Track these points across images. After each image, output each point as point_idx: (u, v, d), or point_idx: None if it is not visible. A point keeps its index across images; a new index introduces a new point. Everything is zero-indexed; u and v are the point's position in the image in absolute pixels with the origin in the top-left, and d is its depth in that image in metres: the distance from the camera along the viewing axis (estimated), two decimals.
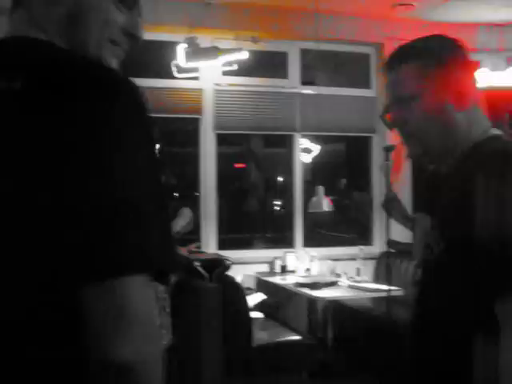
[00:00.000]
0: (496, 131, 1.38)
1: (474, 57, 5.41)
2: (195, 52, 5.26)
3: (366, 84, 6.42)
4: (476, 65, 1.43)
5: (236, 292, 4.14)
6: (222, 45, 5.37)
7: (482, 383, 1.16)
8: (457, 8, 5.86)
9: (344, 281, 5.20)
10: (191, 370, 3.99)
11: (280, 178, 6.94)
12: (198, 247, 5.04)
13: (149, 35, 5.49)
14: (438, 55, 1.40)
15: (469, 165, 1.28)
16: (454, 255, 1.23)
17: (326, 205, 5.41)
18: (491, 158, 1.24)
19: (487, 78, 5.61)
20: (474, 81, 1.40)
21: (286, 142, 6.23)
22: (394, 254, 5.55)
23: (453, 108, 1.34)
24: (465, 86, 1.37)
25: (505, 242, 1.12)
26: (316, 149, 6.24)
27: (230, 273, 4.37)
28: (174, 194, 6.12)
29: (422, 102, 1.36)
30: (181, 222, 4.26)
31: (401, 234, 3.86)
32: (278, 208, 7.10)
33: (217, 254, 5.14)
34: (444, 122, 1.35)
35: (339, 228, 7.14)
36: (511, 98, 5.38)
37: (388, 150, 3.88)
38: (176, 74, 5.42)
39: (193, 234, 5.58)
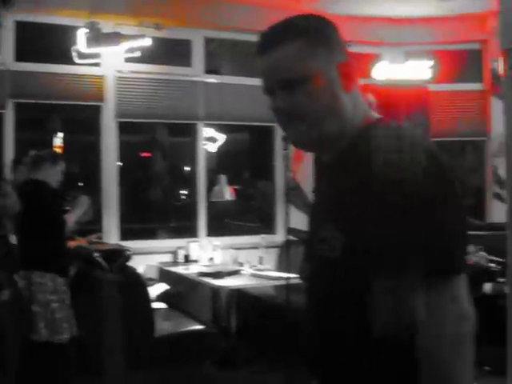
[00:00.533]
0: (376, 115, 1.33)
1: (374, 50, 5.60)
2: (96, 37, 5.12)
3: None
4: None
5: (137, 283, 4.08)
6: (124, 31, 5.26)
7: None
8: (359, 2, 6.00)
9: (247, 269, 5.24)
10: (94, 363, 3.91)
11: (187, 168, 6.89)
12: (99, 238, 4.92)
13: (49, 19, 5.38)
14: (322, 33, 1.27)
15: (358, 154, 1.22)
16: (355, 254, 1.17)
17: (228, 194, 5.41)
18: (380, 148, 1.17)
19: (386, 70, 5.79)
20: (353, 62, 1.32)
21: (190, 132, 6.18)
22: (296, 241, 5.63)
23: (341, 90, 1.26)
24: (350, 67, 1.30)
25: (400, 239, 1.12)
26: (221, 138, 6.24)
27: (132, 263, 4.30)
28: (79, 184, 5.95)
29: (311, 84, 1.24)
30: (77, 212, 4.14)
31: (302, 222, 3.92)
32: (185, 197, 7.05)
33: (118, 244, 5.04)
34: (334, 105, 1.25)
35: (243, 217, 7.17)
36: (409, 93, 5.56)
37: (286, 139, 3.90)
38: (76, 60, 5.26)
39: (94, 225, 5.45)
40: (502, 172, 6.27)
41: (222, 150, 6.41)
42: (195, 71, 6.07)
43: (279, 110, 1.31)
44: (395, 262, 1.11)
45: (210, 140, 6.17)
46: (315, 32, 1.26)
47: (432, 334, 1.13)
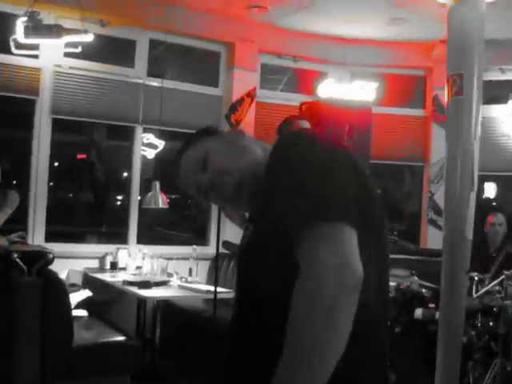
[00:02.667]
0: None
1: (320, 68, 5.55)
2: (36, 28, 4.88)
3: (214, 82, 6.35)
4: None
5: (57, 288, 3.84)
6: (66, 24, 5.04)
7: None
8: (308, 19, 5.97)
9: (175, 280, 5.07)
10: (5, 372, 3.65)
11: (125, 174, 6.67)
12: (22, 237, 4.66)
13: None
14: None
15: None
16: (257, 238, 1.27)
17: (161, 201, 5.22)
18: (277, 146, 1.34)
19: (331, 88, 5.76)
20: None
21: (129, 135, 5.99)
22: (228, 255, 5.50)
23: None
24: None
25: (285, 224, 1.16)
26: (160, 144, 6.05)
27: (55, 267, 4.06)
28: (13, 184, 5.63)
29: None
30: (7, 210, 3.92)
31: (236, 235, 3.80)
32: (119, 203, 6.83)
33: (40, 246, 4.79)
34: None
35: (176, 227, 7.00)
36: (353, 113, 5.52)
37: None
38: (13, 50, 5.01)
39: (19, 224, 5.19)
40: (438, 198, 6.33)
41: (160, 158, 6.23)
42: (138, 73, 5.89)
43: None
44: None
45: (149, 146, 5.98)
46: None
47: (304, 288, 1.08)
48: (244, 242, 1.34)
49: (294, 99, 5.96)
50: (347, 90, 5.93)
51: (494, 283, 4.64)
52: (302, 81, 6.74)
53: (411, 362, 4.70)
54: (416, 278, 5.15)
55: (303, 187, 1.16)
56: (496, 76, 6.41)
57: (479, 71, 3.68)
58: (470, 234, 3.62)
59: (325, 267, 1.06)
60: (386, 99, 6.52)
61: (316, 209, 1.13)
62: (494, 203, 7.42)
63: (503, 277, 4.56)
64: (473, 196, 3.61)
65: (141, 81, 5.85)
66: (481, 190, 7.51)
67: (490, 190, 7.56)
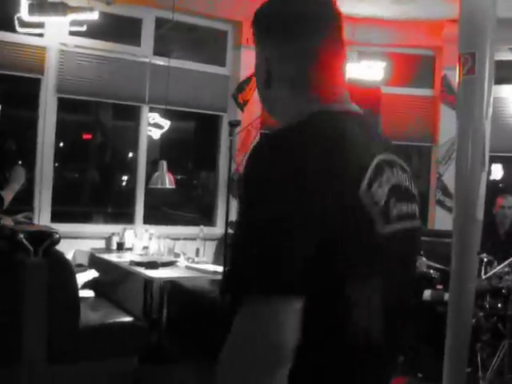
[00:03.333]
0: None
1: None
2: (41, 6, 4.81)
3: (221, 62, 6.28)
4: None
5: (64, 268, 3.82)
6: (72, 2, 4.97)
7: None
8: None
9: (182, 261, 5.05)
10: (12, 352, 3.65)
11: (131, 154, 6.64)
12: (28, 218, 4.64)
13: None
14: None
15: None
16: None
17: (167, 181, 5.18)
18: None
19: None
20: None
21: (135, 115, 5.94)
22: None
23: None
24: None
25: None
26: (166, 124, 6.01)
27: (61, 248, 4.04)
28: (18, 162, 5.60)
29: None
30: (15, 186, 3.90)
31: None
32: (125, 183, 6.80)
33: (46, 226, 4.77)
34: None
35: (183, 207, 6.97)
36: (362, 92, 5.47)
37: (232, 124, 3.77)
38: (18, 28, 4.95)
39: (25, 204, 5.17)
40: (447, 179, 6.28)
41: (166, 138, 6.19)
42: (144, 52, 5.83)
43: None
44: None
45: (155, 126, 5.94)
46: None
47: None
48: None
49: None
50: (355, 69, 5.86)
51: (503, 265, 4.61)
52: None
53: (419, 343, 4.69)
54: (424, 259, 5.12)
55: (242, 238, 1.02)
56: (506, 56, 6.31)
57: (491, 50, 3.61)
58: (480, 214, 3.58)
59: (244, 345, 0.96)
60: (393, 79, 6.45)
61: (248, 278, 0.97)
62: (500, 185, 7.37)
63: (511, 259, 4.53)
64: (484, 176, 3.57)
65: (147, 60, 5.79)
66: (488, 172, 7.45)
67: (498, 171, 7.51)
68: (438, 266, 4.86)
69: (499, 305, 4.81)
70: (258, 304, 0.94)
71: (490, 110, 3.59)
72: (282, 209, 0.97)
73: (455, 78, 3.74)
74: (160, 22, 5.89)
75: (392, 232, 1.08)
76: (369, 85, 5.54)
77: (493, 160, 7.06)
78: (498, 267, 4.63)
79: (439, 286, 4.76)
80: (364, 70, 5.86)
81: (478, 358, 4.49)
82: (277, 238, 0.96)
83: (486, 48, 3.60)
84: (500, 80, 6.43)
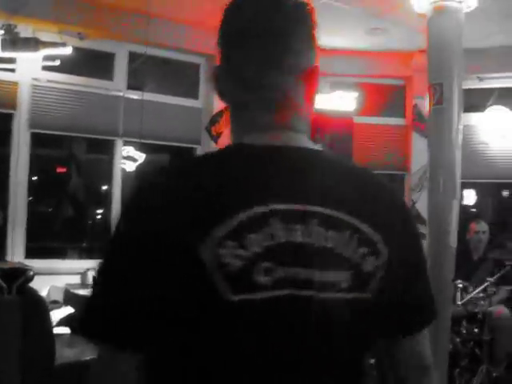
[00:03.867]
0: None
1: None
2: (13, 41, 4.82)
3: (194, 95, 6.32)
4: None
5: (38, 305, 3.77)
6: (44, 37, 4.99)
7: None
8: None
9: None
10: None
11: (105, 187, 6.61)
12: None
13: None
14: None
15: None
16: None
17: None
18: None
19: None
20: None
21: (108, 148, 5.93)
22: None
23: None
24: None
25: None
26: (140, 157, 6.01)
27: (36, 284, 3.99)
28: None
29: None
30: None
31: None
32: (100, 217, 6.75)
33: (20, 263, 4.71)
34: None
35: None
36: (334, 123, 5.54)
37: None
38: None
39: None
40: (420, 207, 6.35)
41: (141, 171, 6.18)
42: (117, 86, 5.85)
43: None
44: None
45: (129, 159, 5.93)
46: None
47: None
48: None
49: None
50: (327, 100, 5.94)
51: (478, 290, 4.65)
52: None
53: None
54: None
55: None
56: (474, 84, 6.45)
57: (459, 80, 3.71)
58: (453, 242, 3.64)
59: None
60: (366, 109, 6.55)
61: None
62: (473, 210, 7.47)
63: (487, 283, 4.58)
64: (456, 204, 3.63)
65: (120, 93, 5.81)
66: (461, 198, 7.56)
67: (470, 197, 7.61)
68: None
69: (475, 330, 4.85)
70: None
71: (460, 137, 3.67)
72: (107, 256, 0.93)
73: (425, 106, 3.83)
74: (133, 56, 5.93)
75: (255, 300, 0.87)
76: (341, 115, 5.62)
77: (465, 186, 7.18)
78: (473, 293, 4.67)
79: None
80: (336, 100, 5.94)
81: None
82: (97, 285, 0.95)
83: (453, 78, 3.69)
84: (469, 108, 6.58)
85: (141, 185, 0.95)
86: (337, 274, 0.92)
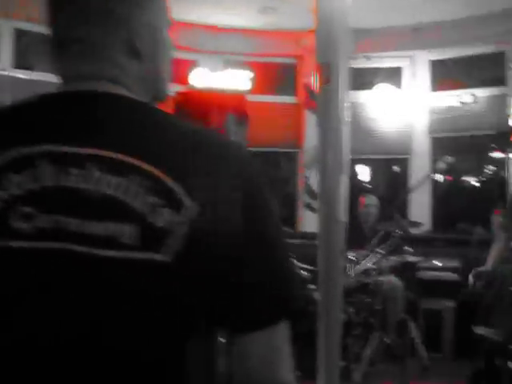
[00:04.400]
0: None
1: (192, 56, 5.52)
2: None
3: None
4: None
5: None
6: None
7: None
8: (179, 6, 5.91)
9: None
10: None
11: None
12: None
13: None
14: None
15: None
16: None
17: None
18: None
19: (204, 77, 5.76)
20: None
21: None
22: None
23: None
24: None
25: None
26: None
27: None
28: None
29: None
30: None
31: None
32: None
33: None
34: None
35: None
36: (227, 101, 5.56)
37: None
38: None
39: None
40: (313, 183, 6.53)
41: None
42: (3, 65, 5.60)
43: None
44: None
45: None
46: None
47: None
48: None
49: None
50: (220, 78, 5.96)
51: (367, 261, 4.86)
52: (174, 70, 6.68)
53: (293, 342, 4.83)
54: (294, 261, 5.29)
55: None
56: (362, 63, 6.67)
57: (346, 60, 3.81)
58: (342, 216, 3.76)
59: None
60: (258, 87, 6.61)
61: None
62: (368, 185, 7.75)
63: (376, 254, 4.79)
64: (344, 179, 3.75)
65: (6, 73, 5.58)
66: (354, 173, 7.83)
67: (364, 172, 7.89)
68: (308, 267, 5.03)
69: (368, 299, 5.08)
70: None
71: (347, 115, 3.78)
72: None
73: (315, 85, 3.92)
74: (20, 34, 5.69)
75: (9, 248, 0.77)
76: (234, 94, 5.65)
77: (358, 162, 7.47)
78: (363, 264, 4.87)
79: (311, 286, 4.94)
80: (229, 78, 5.97)
81: (351, 352, 4.71)
82: None
83: (340, 57, 3.79)
84: (358, 86, 6.81)
85: None
86: (119, 227, 0.77)
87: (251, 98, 6.22)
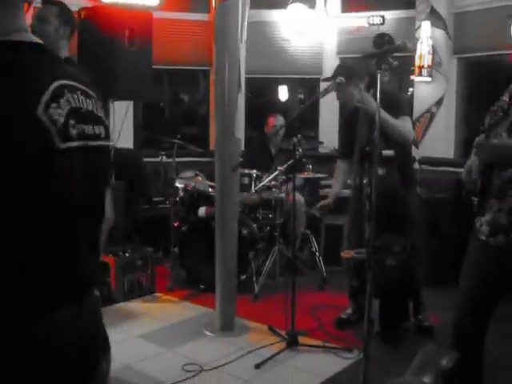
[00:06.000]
0: None
1: None
2: None
3: None
4: None
5: None
6: None
7: None
8: None
9: None
10: None
11: None
12: None
13: None
14: None
15: None
16: None
17: None
18: None
19: None
20: None
21: None
22: None
23: None
24: None
25: None
26: None
27: None
28: None
29: None
30: None
31: None
32: None
33: None
34: None
35: None
36: (133, 17, 5.44)
37: None
38: None
39: None
40: None
41: None
42: None
43: None
44: None
45: None
46: None
47: None
48: None
49: (74, 3, 5.70)
50: None
51: (269, 178, 4.99)
52: None
53: (196, 256, 4.99)
54: (200, 178, 5.39)
55: None
56: None
57: None
58: (239, 133, 3.87)
59: None
60: (169, 4, 6.49)
61: None
62: (285, 106, 7.82)
63: (277, 172, 4.92)
64: (241, 97, 3.83)
65: None
66: (273, 94, 7.92)
67: (283, 92, 7.95)
68: (214, 184, 5.14)
69: (270, 215, 5.26)
70: None
71: (245, 33, 3.83)
72: None
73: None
74: None
75: (72, 148, 1.18)
76: (141, 9, 5.54)
77: (277, 82, 7.56)
78: (265, 180, 5.01)
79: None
80: None
81: (253, 265, 4.90)
82: None
83: None
84: (271, 5, 6.81)
85: None
86: (98, 128, 1.29)
87: (160, 14, 6.14)
